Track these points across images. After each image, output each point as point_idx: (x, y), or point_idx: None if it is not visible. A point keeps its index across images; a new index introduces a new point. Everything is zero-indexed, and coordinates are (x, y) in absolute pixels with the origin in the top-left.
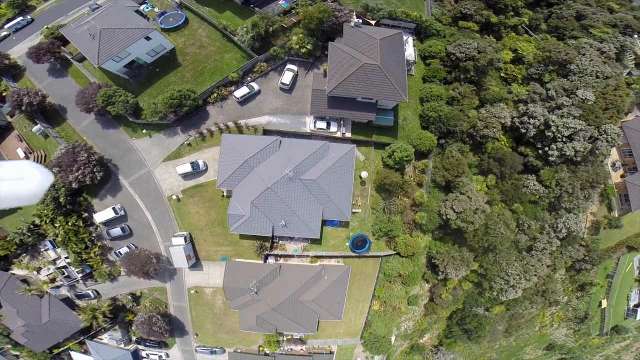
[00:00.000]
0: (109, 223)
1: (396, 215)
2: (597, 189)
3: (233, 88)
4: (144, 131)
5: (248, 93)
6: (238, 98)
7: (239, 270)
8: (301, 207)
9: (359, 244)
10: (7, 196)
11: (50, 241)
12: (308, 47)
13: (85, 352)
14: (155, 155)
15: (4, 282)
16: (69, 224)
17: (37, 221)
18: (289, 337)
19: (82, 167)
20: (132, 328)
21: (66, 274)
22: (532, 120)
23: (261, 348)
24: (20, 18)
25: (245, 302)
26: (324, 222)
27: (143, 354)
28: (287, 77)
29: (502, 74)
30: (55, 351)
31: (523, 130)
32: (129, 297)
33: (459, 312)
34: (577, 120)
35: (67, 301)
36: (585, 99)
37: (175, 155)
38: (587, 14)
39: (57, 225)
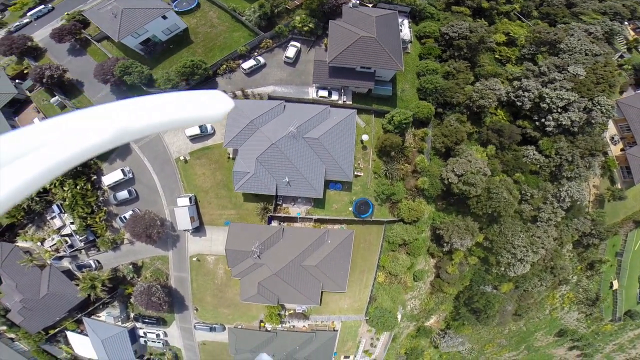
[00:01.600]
0: (116, 187)
1: (398, 182)
2: (597, 158)
3: (241, 61)
4: None
5: (255, 65)
6: (245, 69)
7: (242, 233)
8: (305, 165)
9: (362, 208)
10: (199, 117)
11: (57, 205)
12: (310, 25)
13: (82, 332)
14: None
15: (7, 253)
16: (78, 187)
17: (47, 184)
18: (291, 311)
19: None
20: (132, 300)
21: (70, 242)
22: (526, 94)
23: (262, 324)
24: (42, 6)
25: (247, 267)
26: (327, 185)
27: (140, 332)
28: (291, 52)
29: (496, 56)
30: (51, 332)
31: (519, 104)
32: (130, 267)
33: (466, 291)
34: (570, 92)
35: (68, 273)
36: (577, 74)
37: None
38: (577, 1)
39: (65, 188)
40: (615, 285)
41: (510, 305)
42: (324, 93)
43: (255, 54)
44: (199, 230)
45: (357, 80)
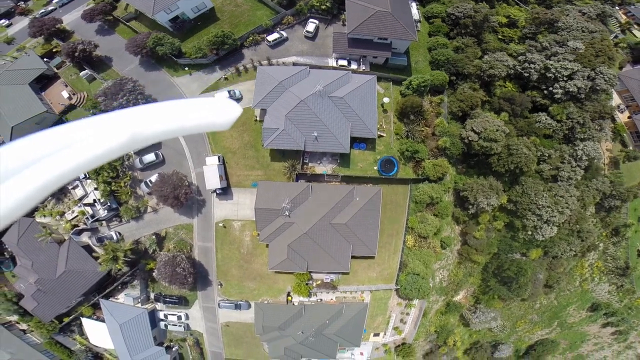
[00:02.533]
0: (141, 151)
1: (419, 143)
2: (606, 121)
3: (265, 35)
4: (186, 68)
5: (279, 38)
6: (270, 42)
7: (271, 191)
8: (331, 121)
9: (387, 166)
10: (208, 124)
11: None
12: (327, 4)
13: (98, 318)
14: (194, 89)
15: (25, 228)
16: None
17: None
18: (319, 282)
19: (127, 94)
20: (154, 274)
21: (91, 212)
22: (532, 65)
23: (289, 298)
24: None
25: (276, 229)
26: (351, 145)
27: (161, 315)
28: (311, 27)
29: (499, 37)
30: (65, 319)
31: (526, 75)
32: (153, 237)
33: (494, 260)
34: (573, 63)
35: (87, 249)
36: (576, 47)
37: (213, 88)
38: None
39: None
40: None
41: (541, 273)
42: (344, 62)
43: (278, 29)
44: (225, 193)
45: (375, 50)
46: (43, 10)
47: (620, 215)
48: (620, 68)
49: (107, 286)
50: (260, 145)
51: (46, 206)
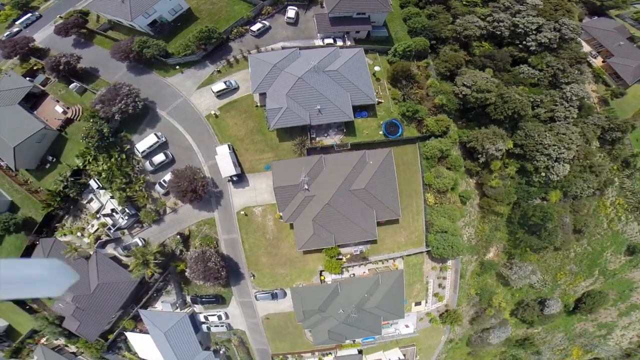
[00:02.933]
0: (150, 154)
1: (417, 105)
2: (583, 65)
3: (248, 26)
4: (177, 67)
5: (262, 27)
6: (254, 31)
7: (286, 168)
8: (331, 93)
9: (391, 129)
10: (30, 291)
11: (94, 180)
12: None
13: (141, 331)
14: (189, 86)
15: (50, 248)
16: (112, 159)
17: (79, 163)
18: (348, 256)
19: (124, 98)
20: (186, 274)
21: (112, 222)
22: (501, 24)
23: (322, 277)
24: (30, 14)
25: (297, 206)
26: (354, 114)
27: (201, 318)
28: (291, 13)
29: (464, 3)
30: (110, 337)
31: (498, 33)
32: (178, 237)
33: (517, 210)
34: (537, 17)
35: (115, 261)
36: (536, 4)
37: (208, 82)
38: None
39: (100, 162)
40: None
41: (566, 217)
42: (330, 41)
43: (260, 19)
44: (241, 180)
45: (356, 25)
46: (8, 33)
47: (624, 147)
48: (580, 20)
49: (142, 296)
50: (266, 128)
51: (64, 225)
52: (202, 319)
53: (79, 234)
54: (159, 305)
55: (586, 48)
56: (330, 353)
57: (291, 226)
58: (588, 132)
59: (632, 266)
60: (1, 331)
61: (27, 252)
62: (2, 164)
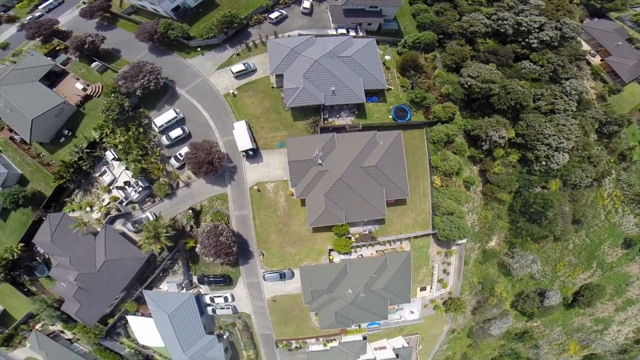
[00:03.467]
0: (167, 129)
1: (424, 92)
2: (582, 62)
3: (267, 14)
4: (198, 49)
5: (280, 16)
6: (272, 19)
7: (301, 144)
8: (345, 76)
9: (400, 113)
10: None
11: (111, 151)
12: None
13: (143, 315)
14: (208, 67)
15: (57, 222)
16: (130, 132)
17: (96, 135)
18: (357, 235)
19: (147, 75)
20: (197, 249)
21: (124, 195)
22: (505, 22)
23: (331, 257)
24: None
25: (310, 180)
26: (365, 97)
27: (207, 299)
28: (307, 3)
29: (469, 2)
30: (110, 321)
31: (502, 31)
32: (190, 212)
33: (518, 199)
34: (539, 17)
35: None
36: (538, 4)
37: (227, 64)
38: None
39: (117, 134)
40: None
41: (566, 205)
42: (343, 31)
43: (277, 8)
44: (255, 156)
45: (368, 18)
46: (31, 17)
47: (620, 141)
48: (581, 21)
49: (147, 277)
50: (281, 108)
51: (73, 200)
52: (208, 301)
53: (88, 208)
54: (164, 286)
55: (585, 47)
56: (334, 339)
57: (302, 203)
58: (586, 125)
59: (629, 259)
60: None
61: (33, 228)
62: (15, 137)
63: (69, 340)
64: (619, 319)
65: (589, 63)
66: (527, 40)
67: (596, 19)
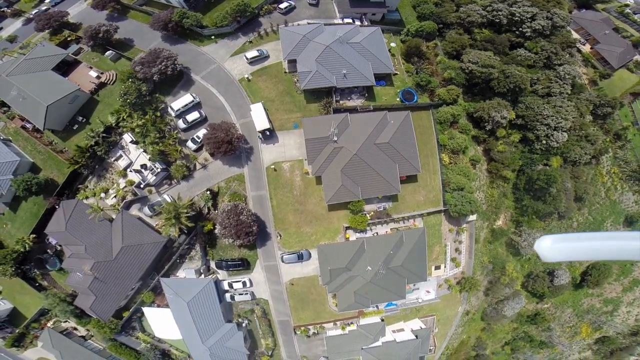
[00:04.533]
0: (183, 113)
1: (429, 77)
2: (574, 49)
3: (276, 4)
4: (212, 37)
5: (288, 6)
6: (282, 9)
7: (316, 124)
8: (355, 61)
9: (407, 96)
10: None
11: (129, 134)
12: None
13: (159, 306)
14: (222, 54)
15: (71, 210)
16: (147, 116)
17: (112, 120)
18: (372, 213)
19: (164, 60)
20: (216, 230)
21: (141, 178)
22: (500, 12)
23: (347, 236)
24: None
25: (326, 157)
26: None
27: (225, 285)
28: None
29: None
30: (125, 314)
31: (497, 21)
32: (207, 193)
33: (522, 176)
34: (532, 7)
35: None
36: None
37: (240, 51)
38: None
39: (134, 118)
40: None
41: (568, 182)
42: (349, 21)
43: None
44: (271, 137)
45: (372, 8)
46: (37, 10)
47: (614, 122)
48: (570, 12)
49: (164, 264)
50: (294, 91)
51: (87, 187)
52: (226, 287)
53: (102, 194)
54: (181, 274)
55: (575, 36)
56: (352, 322)
57: (317, 180)
58: (581, 107)
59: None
60: (4, 316)
61: (45, 219)
62: (27, 125)
63: (83, 337)
64: (628, 299)
65: (579, 51)
66: (520, 29)
67: (584, 10)
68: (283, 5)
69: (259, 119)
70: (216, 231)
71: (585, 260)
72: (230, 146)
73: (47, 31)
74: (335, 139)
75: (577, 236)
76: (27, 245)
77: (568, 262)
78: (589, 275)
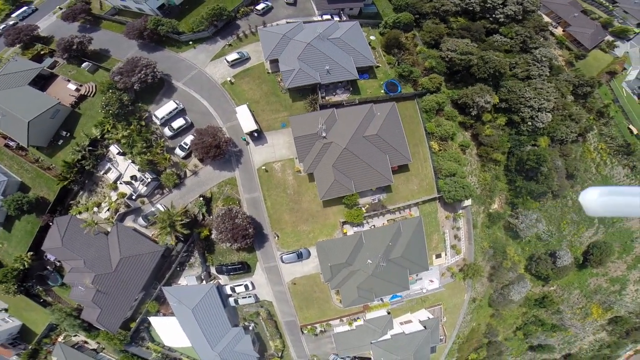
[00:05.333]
0: (168, 121)
1: (410, 67)
2: (547, 32)
3: (252, 6)
4: (190, 43)
5: (265, 7)
6: (259, 10)
7: (303, 121)
8: (336, 56)
9: (391, 87)
10: None
11: (115, 146)
12: None
13: (165, 314)
14: (202, 59)
15: (66, 225)
16: (132, 126)
17: (96, 133)
18: (367, 205)
19: (143, 69)
20: (212, 235)
21: (132, 189)
22: (472, 1)
23: (345, 231)
24: (25, 7)
25: (317, 154)
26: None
27: (227, 290)
28: None
29: None
30: (132, 325)
31: (470, 9)
32: (200, 200)
33: (512, 158)
34: None
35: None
36: None
37: (220, 55)
38: None
39: (119, 129)
40: (634, 129)
41: (558, 160)
42: (328, 17)
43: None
44: (260, 137)
45: (349, 3)
46: (4, 25)
47: (595, 100)
48: None
49: (164, 273)
50: (279, 91)
51: (79, 202)
52: (229, 291)
53: (95, 208)
54: (182, 281)
55: (546, 19)
56: (358, 317)
57: (310, 178)
58: (561, 87)
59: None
60: (15, 332)
61: (40, 236)
62: (11, 144)
63: (94, 350)
64: (634, 277)
65: (552, 34)
66: (494, 15)
67: None
68: (260, 7)
69: (246, 120)
70: (213, 236)
71: (633, 217)
72: (219, 150)
73: (17, 46)
74: (324, 134)
75: (628, 190)
76: (25, 263)
77: (568, 242)
78: (591, 254)
